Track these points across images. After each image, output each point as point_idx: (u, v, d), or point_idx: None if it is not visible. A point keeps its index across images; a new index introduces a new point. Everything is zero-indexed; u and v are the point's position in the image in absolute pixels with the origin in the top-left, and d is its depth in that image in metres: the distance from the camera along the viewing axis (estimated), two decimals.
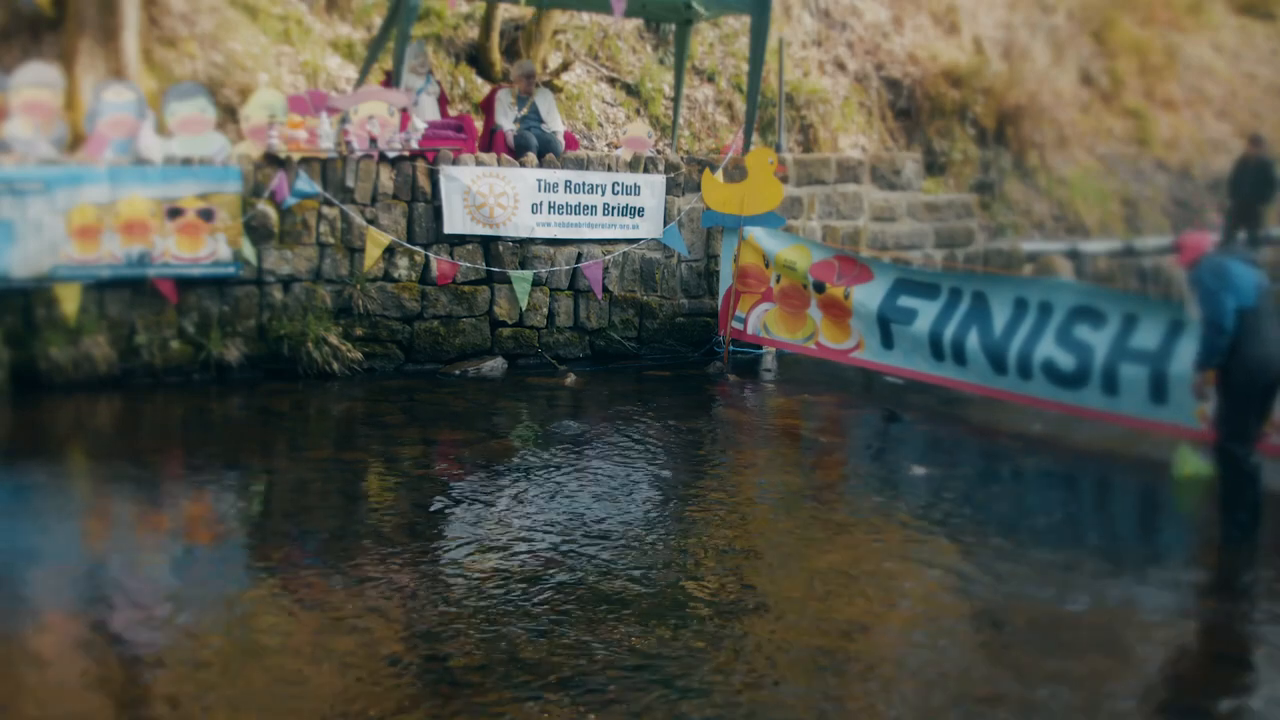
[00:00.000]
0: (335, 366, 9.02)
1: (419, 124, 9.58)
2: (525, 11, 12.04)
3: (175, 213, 8.53)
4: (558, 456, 7.46)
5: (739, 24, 13.77)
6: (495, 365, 9.71)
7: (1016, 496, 7.19)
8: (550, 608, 5.06)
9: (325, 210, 9.14)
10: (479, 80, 12.12)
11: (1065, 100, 16.48)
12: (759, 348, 10.63)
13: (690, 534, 6.14)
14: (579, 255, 10.17)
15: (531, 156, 9.99)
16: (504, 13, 12.22)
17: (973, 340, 8.66)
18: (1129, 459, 7.88)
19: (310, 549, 5.76)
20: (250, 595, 5.15)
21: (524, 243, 9.89)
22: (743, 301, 10.42)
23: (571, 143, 10.68)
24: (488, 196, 9.61)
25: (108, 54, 9.37)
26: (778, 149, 12.09)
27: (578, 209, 10.07)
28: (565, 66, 12.45)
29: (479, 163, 9.67)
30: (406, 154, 9.42)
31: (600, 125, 12.47)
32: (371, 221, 9.28)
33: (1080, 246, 15.19)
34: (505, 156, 9.92)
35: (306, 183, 8.98)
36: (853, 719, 4.29)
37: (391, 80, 9.93)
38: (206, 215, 8.61)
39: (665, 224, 10.52)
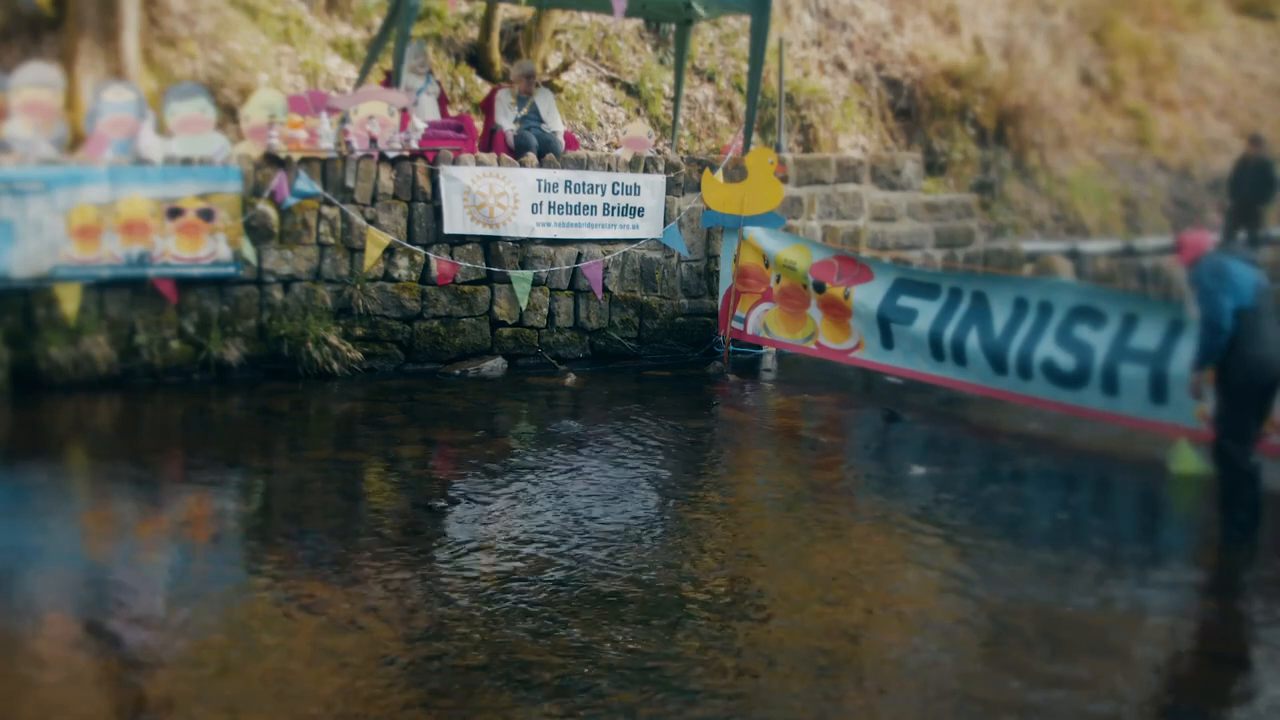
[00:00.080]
0: (335, 366, 9.02)
1: (419, 124, 9.58)
2: (525, 11, 12.04)
3: (175, 213, 8.53)
4: (557, 456, 7.46)
5: (739, 24, 13.77)
6: (495, 365, 9.71)
7: (1016, 497, 7.18)
8: (549, 608, 5.06)
9: (325, 210, 9.14)
10: (479, 80, 12.12)
11: (1065, 100, 16.47)
12: (759, 348, 10.63)
13: (690, 534, 6.14)
14: (579, 255, 10.18)
15: (531, 156, 9.99)
16: (504, 13, 12.22)
17: (973, 340, 8.66)
18: (1129, 459, 7.88)
19: (310, 549, 5.76)
20: (249, 595, 5.15)
21: (524, 243, 9.89)
22: (743, 301, 10.42)
23: (571, 143, 10.68)
24: (488, 196, 9.61)
25: (108, 54, 9.37)
26: (778, 149, 12.09)
27: (578, 209, 10.07)
28: (565, 66, 12.45)
29: (479, 163, 9.67)
30: (406, 154, 9.42)
31: (600, 125, 12.47)
32: (371, 221, 9.28)
33: (1080, 246, 15.19)
34: (505, 156, 9.92)
35: (306, 183, 8.98)
36: None
37: (391, 80, 9.92)
38: (206, 215, 8.61)
39: (665, 224, 10.52)
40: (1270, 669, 4.96)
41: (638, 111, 12.87)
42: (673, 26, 12.57)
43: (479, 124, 10.80)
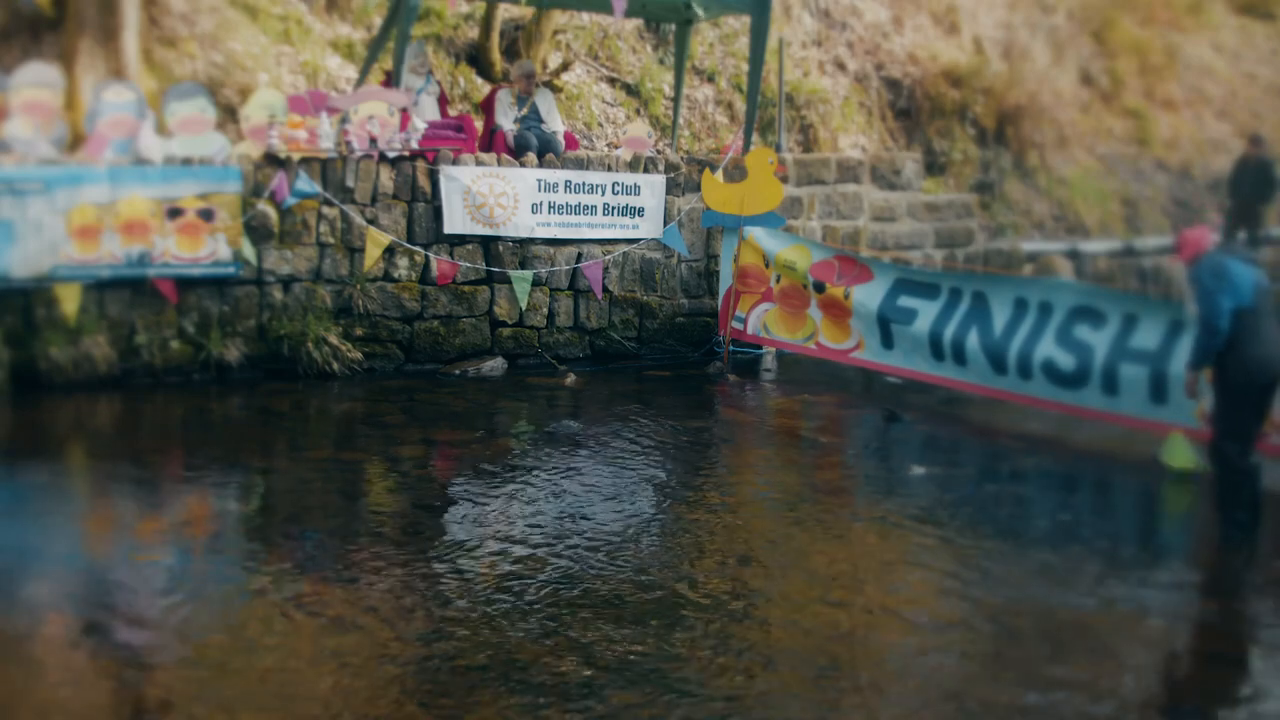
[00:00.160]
0: (335, 366, 9.02)
1: (419, 124, 9.58)
2: (525, 11, 12.04)
3: (175, 213, 8.53)
4: (557, 457, 7.46)
5: (739, 24, 13.77)
6: (495, 365, 9.71)
7: (1016, 497, 7.18)
8: (549, 608, 5.06)
9: (325, 210, 9.14)
10: (479, 80, 12.12)
11: (1065, 100, 16.48)
12: (759, 348, 10.63)
13: (689, 535, 6.14)
14: (579, 255, 10.18)
15: (531, 156, 9.99)
16: (504, 13, 12.22)
17: (973, 340, 8.66)
18: (1129, 459, 7.87)
19: (310, 549, 5.76)
20: (249, 595, 5.15)
21: (524, 243, 9.89)
22: (743, 301, 10.42)
23: (571, 143, 10.68)
24: (488, 196, 9.61)
25: (108, 54, 9.37)
26: (778, 149, 12.09)
27: (578, 209, 10.07)
28: (565, 66, 12.45)
29: (479, 163, 9.67)
30: (406, 154, 9.42)
31: (600, 125, 12.47)
32: (371, 221, 9.28)
33: (1080, 246, 15.19)
34: (505, 156, 9.92)
35: (306, 183, 8.98)
36: None
37: (391, 80, 9.93)
38: (206, 215, 8.61)
39: (665, 224, 10.52)
40: (1271, 670, 4.95)
41: (638, 111, 12.87)
42: (673, 26, 12.57)
43: (479, 124, 10.80)
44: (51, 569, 5.42)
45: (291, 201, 8.95)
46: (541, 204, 9.87)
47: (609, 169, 10.28)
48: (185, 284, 8.67)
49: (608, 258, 10.27)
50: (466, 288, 9.71)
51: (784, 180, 11.06)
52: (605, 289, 10.27)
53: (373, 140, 9.30)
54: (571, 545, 5.83)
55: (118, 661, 4.52)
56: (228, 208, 8.68)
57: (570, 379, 9.63)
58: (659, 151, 11.49)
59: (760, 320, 10.32)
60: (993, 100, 15.19)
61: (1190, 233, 6.40)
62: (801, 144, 13.54)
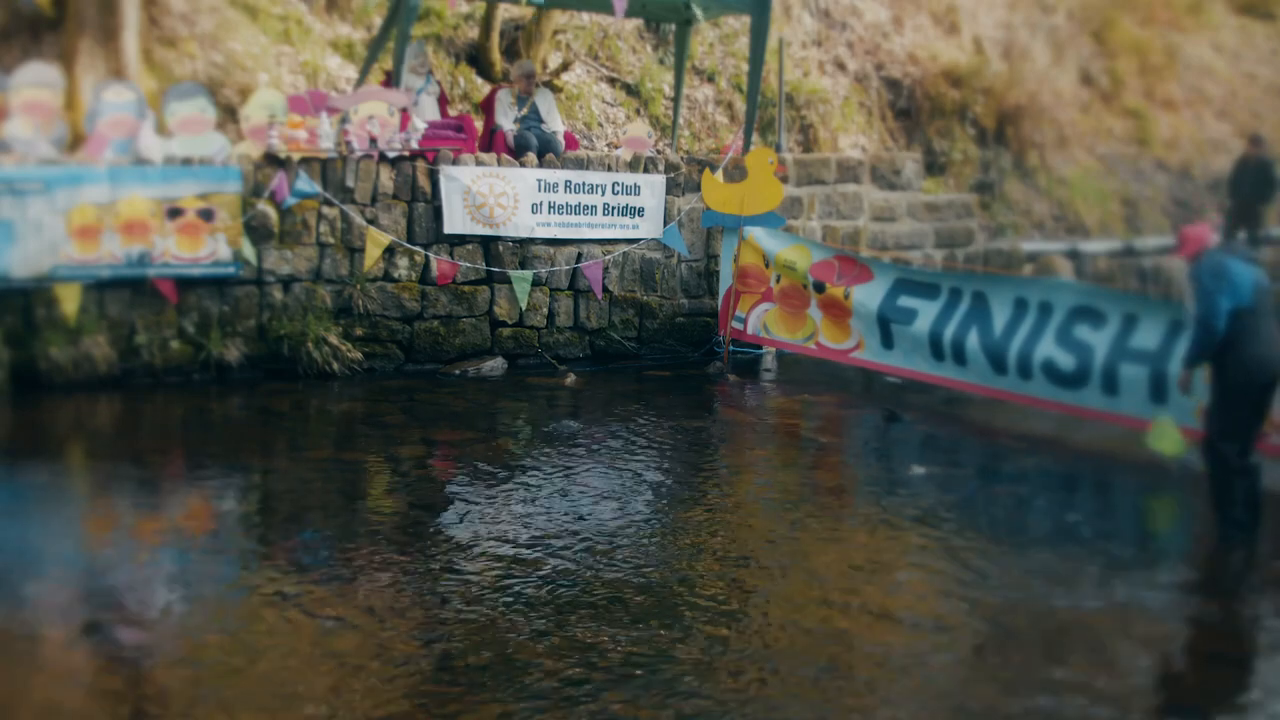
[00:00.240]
0: (335, 366, 9.02)
1: (419, 124, 9.58)
2: (525, 11, 12.04)
3: (175, 213, 8.53)
4: (557, 457, 7.46)
5: (739, 24, 13.77)
6: (495, 365, 9.71)
7: (1017, 497, 7.18)
8: (549, 608, 5.06)
9: (325, 210, 9.14)
10: (479, 80, 12.12)
11: (1065, 100, 16.47)
12: (759, 348, 10.63)
13: (689, 535, 6.14)
14: (579, 255, 10.18)
15: (531, 156, 9.99)
16: (504, 13, 12.22)
17: (973, 340, 8.66)
18: (1129, 459, 7.87)
19: (309, 549, 5.76)
20: (249, 595, 5.15)
21: (524, 243, 9.89)
22: (743, 301, 10.42)
23: (571, 143, 10.68)
24: (488, 196, 9.61)
25: (108, 54, 9.37)
26: (778, 149, 12.09)
27: (578, 209, 10.07)
28: (565, 66, 12.45)
29: (479, 163, 9.67)
30: (406, 154, 9.42)
31: (600, 125, 12.48)
32: (371, 221, 9.28)
33: (1080, 246, 15.19)
34: (505, 156, 9.92)
35: (306, 183, 8.98)
36: None
37: (391, 80, 9.93)
38: (206, 215, 8.61)
39: (665, 224, 10.52)
40: (1271, 671, 4.95)
41: (638, 111, 12.87)
42: (673, 26, 12.57)
43: (479, 124, 10.80)
44: (51, 569, 5.42)
45: (291, 201, 8.95)
46: (541, 204, 9.87)
47: (609, 169, 10.28)
48: (185, 284, 8.67)
49: (608, 258, 10.27)
50: (466, 288, 9.71)
51: (784, 180, 11.06)
52: (605, 289, 10.27)
53: (373, 140, 9.30)
54: (571, 545, 5.83)
55: (117, 661, 4.52)
56: (228, 208, 8.68)
57: (570, 379, 9.63)
58: (659, 151, 11.49)
59: (760, 320, 10.32)
60: (993, 100, 15.19)
61: (1191, 229, 6.39)
62: (801, 144, 13.54)
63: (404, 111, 9.63)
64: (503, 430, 8.25)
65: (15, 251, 8.04)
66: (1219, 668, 4.92)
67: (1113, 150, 17.08)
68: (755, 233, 10.27)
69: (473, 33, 12.36)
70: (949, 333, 8.83)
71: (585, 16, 13.02)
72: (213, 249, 8.66)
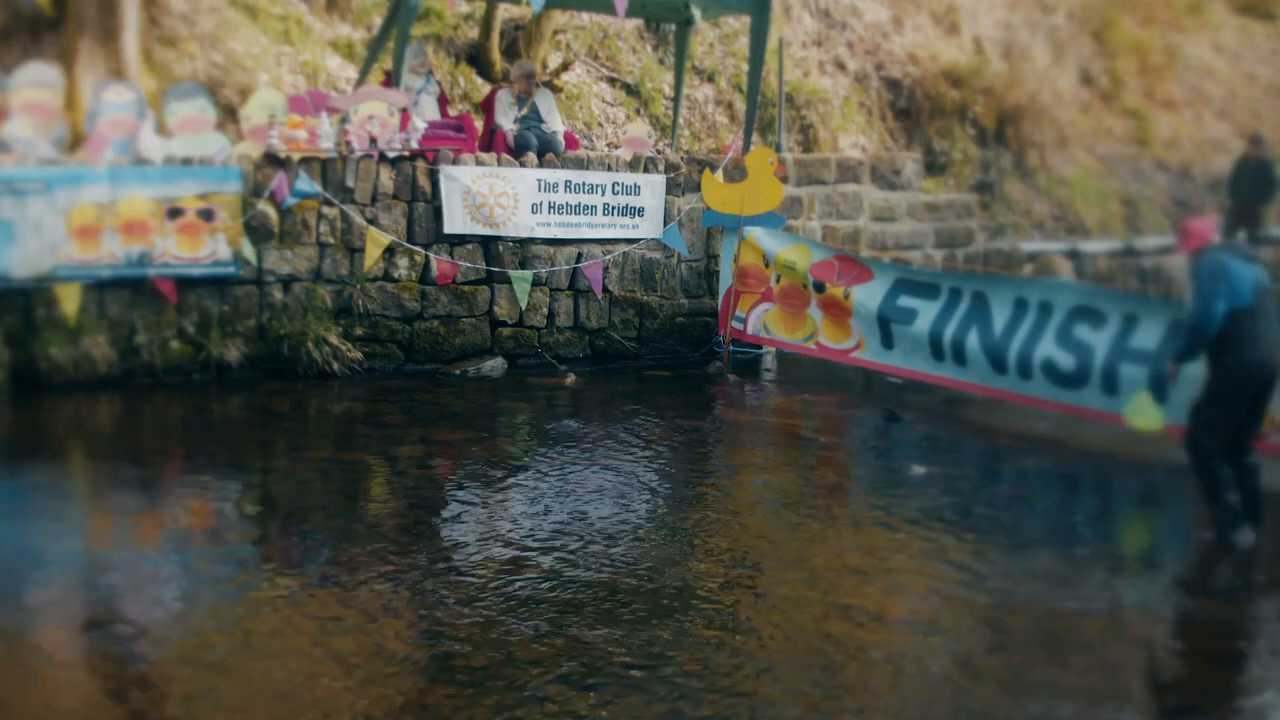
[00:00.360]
0: (335, 366, 9.02)
1: (419, 124, 9.58)
2: (525, 11, 12.03)
3: (175, 213, 8.53)
4: (557, 456, 7.46)
5: (739, 24, 13.77)
6: (495, 365, 9.71)
7: (1016, 497, 7.18)
8: (550, 607, 5.06)
9: (325, 210, 9.14)
10: (479, 80, 12.12)
11: (1065, 100, 16.47)
12: (759, 348, 10.63)
13: (690, 534, 6.14)
14: (579, 255, 10.18)
15: (531, 156, 9.99)
16: (504, 13, 12.22)
17: (973, 340, 8.66)
18: (1129, 459, 7.87)
19: (310, 549, 5.76)
20: (249, 595, 5.15)
21: (524, 243, 9.89)
22: (743, 301, 10.42)
23: (571, 143, 10.68)
24: (488, 196, 9.61)
25: (108, 54, 9.37)
26: (778, 149, 12.09)
27: (578, 209, 10.08)
28: (565, 66, 12.45)
29: (479, 163, 9.67)
30: (406, 154, 9.42)
31: (600, 125, 12.48)
32: (371, 221, 9.28)
33: (1080, 246, 15.19)
34: (505, 156, 9.92)
35: (306, 183, 8.99)
36: None
37: (391, 80, 9.93)
38: (206, 215, 8.61)
39: (665, 224, 10.52)
40: (1271, 671, 4.95)
41: (638, 111, 12.87)
42: (673, 26, 12.56)
43: (479, 124, 10.80)
44: (51, 569, 5.42)
45: (291, 201, 8.95)
46: (541, 204, 9.87)
47: (609, 169, 10.28)
48: (185, 284, 8.67)
49: (608, 258, 10.27)
50: (466, 288, 9.71)
51: (784, 180, 11.06)
52: (605, 289, 10.27)
53: (373, 140, 9.30)
54: (571, 545, 5.83)
55: (117, 661, 4.52)
56: (228, 208, 8.68)
57: (570, 379, 9.63)
58: (659, 151, 11.49)
59: (760, 320, 10.32)
60: (993, 100, 15.19)
61: (1193, 223, 6.37)
62: (801, 144, 13.54)
63: (404, 111, 9.63)
64: (503, 430, 8.25)
65: (15, 251, 8.04)
66: (1219, 667, 4.92)
67: (1113, 150, 17.09)
68: (755, 233, 10.27)
69: (473, 33, 12.36)
70: (949, 333, 8.83)
71: (585, 16, 13.02)
72: (213, 249, 8.66)
